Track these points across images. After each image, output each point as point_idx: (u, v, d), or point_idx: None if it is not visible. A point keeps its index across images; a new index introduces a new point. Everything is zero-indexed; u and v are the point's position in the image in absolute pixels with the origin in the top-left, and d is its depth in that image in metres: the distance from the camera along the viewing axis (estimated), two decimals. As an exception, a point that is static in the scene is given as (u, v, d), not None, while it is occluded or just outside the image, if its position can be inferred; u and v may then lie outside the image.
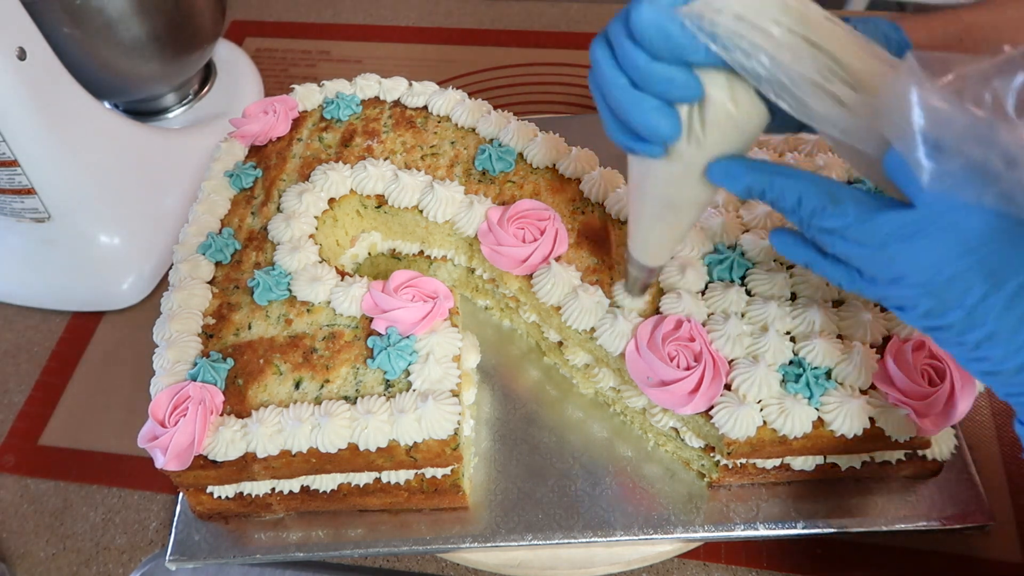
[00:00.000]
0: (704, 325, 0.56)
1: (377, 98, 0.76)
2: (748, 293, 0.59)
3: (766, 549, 0.63)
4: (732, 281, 0.60)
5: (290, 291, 0.61)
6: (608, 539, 0.59)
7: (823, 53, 0.36)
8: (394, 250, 0.73)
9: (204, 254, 0.64)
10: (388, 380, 0.56)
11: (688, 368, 0.54)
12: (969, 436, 0.66)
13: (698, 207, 0.47)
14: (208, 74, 0.96)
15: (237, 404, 0.56)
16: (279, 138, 0.73)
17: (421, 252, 0.72)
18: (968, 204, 0.34)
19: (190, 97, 0.93)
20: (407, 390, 0.55)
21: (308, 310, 0.60)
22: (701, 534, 0.59)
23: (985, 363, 0.37)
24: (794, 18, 0.36)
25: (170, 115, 0.92)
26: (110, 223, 0.78)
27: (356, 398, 0.55)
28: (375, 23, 1.11)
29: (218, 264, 0.64)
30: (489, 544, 0.59)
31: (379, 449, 0.54)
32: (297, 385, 0.57)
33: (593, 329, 0.58)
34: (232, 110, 0.90)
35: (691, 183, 0.43)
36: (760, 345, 0.55)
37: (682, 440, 0.60)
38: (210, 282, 0.63)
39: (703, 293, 0.59)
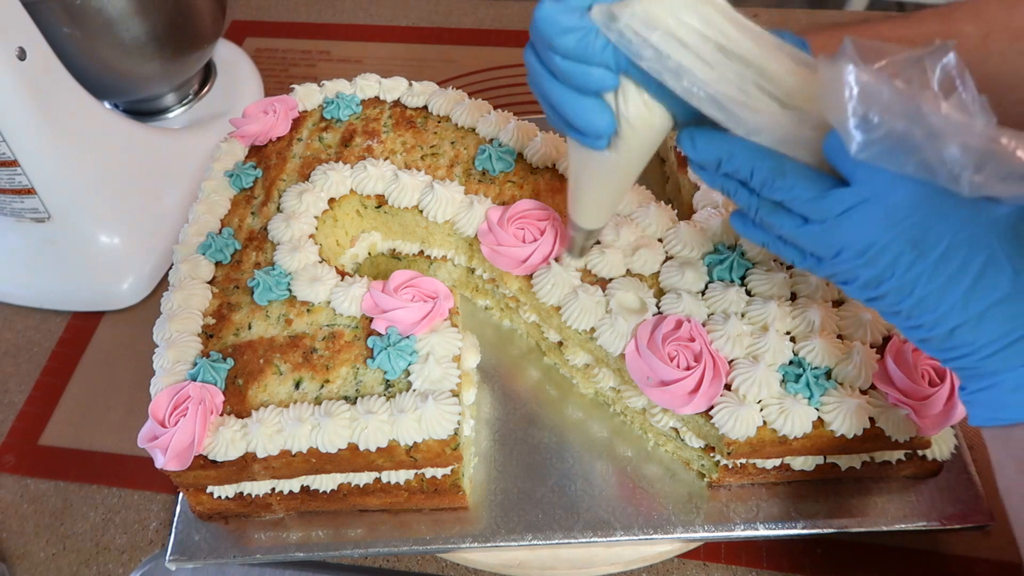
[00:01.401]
0: (704, 325, 0.56)
1: (377, 98, 0.76)
2: (748, 293, 0.59)
3: (766, 549, 0.63)
4: (732, 281, 0.60)
5: (290, 291, 0.61)
6: (608, 539, 0.59)
7: (747, 66, 0.37)
8: (394, 250, 0.73)
9: (204, 254, 0.64)
10: (388, 380, 0.56)
11: (688, 368, 0.54)
12: (969, 436, 0.65)
13: (628, 182, 0.50)
14: (208, 74, 0.96)
15: (237, 404, 0.56)
16: (279, 138, 0.73)
17: (421, 252, 0.72)
18: (895, 177, 0.35)
19: (190, 97, 0.93)
20: (407, 390, 0.55)
21: (308, 310, 0.60)
22: (701, 534, 0.59)
23: (920, 331, 0.40)
24: (711, 25, 0.37)
25: (170, 115, 0.92)
26: (110, 223, 0.78)
27: (356, 398, 0.55)
28: (375, 23, 1.11)
29: (218, 264, 0.64)
30: (489, 544, 0.59)
31: (379, 449, 0.54)
32: (297, 385, 0.57)
33: (593, 329, 0.58)
34: (232, 110, 0.90)
35: (623, 165, 0.46)
36: (760, 345, 0.55)
37: (682, 440, 0.60)
38: (210, 282, 0.63)
39: (703, 293, 0.59)
